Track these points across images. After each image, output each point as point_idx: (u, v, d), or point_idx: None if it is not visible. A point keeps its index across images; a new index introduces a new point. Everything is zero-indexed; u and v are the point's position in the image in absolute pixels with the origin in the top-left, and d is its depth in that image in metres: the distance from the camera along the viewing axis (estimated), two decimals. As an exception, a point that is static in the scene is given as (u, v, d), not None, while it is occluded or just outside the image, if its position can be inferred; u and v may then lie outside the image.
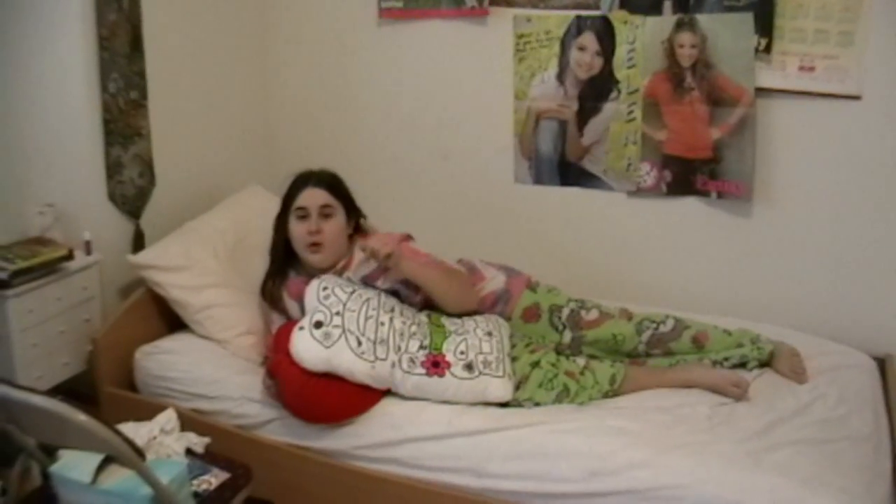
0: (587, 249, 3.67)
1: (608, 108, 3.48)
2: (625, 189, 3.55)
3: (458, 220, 3.86)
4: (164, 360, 3.07)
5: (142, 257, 3.16)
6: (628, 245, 3.63)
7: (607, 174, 3.55)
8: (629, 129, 3.46)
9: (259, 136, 4.02)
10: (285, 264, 3.06)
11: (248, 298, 3.11)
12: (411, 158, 3.89)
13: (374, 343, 2.75)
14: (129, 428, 2.47)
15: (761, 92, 3.24)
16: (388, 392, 2.80)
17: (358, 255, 3.00)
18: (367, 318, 2.81)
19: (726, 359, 3.01)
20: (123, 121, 3.24)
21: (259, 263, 3.10)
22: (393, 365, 2.74)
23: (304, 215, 2.97)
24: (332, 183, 3.04)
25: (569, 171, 3.61)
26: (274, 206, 3.10)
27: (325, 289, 2.87)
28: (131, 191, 3.30)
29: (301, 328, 2.77)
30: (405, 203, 3.92)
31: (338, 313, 2.79)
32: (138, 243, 3.32)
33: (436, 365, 2.77)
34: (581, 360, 2.94)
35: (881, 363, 3.22)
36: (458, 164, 3.81)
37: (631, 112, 3.44)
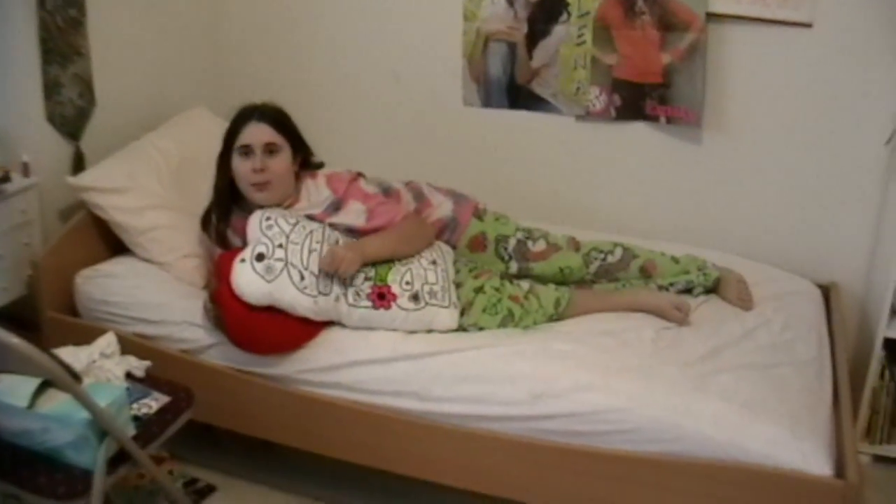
0: (536, 174, 3.65)
1: (558, 30, 3.42)
2: (574, 113, 3.51)
3: (408, 142, 3.80)
4: (105, 283, 3.01)
5: (82, 179, 3.08)
6: (577, 170, 3.60)
7: (556, 98, 3.51)
8: (579, 52, 3.41)
9: (205, 57, 3.91)
10: (229, 202, 2.96)
11: (191, 221, 3.04)
12: (362, 79, 3.80)
13: (318, 277, 2.71)
14: (68, 352, 2.44)
15: (713, 17, 3.20)
16: (332, 321, 2.78)
17: (304, 194, 2.94)
18: (310, 252, 2.75)
19: (672, 284, 3.03)
20: (62, 39, 3.13)
21: (203, 185, 3.02)
22: (337, 299, 2.71)
23: (247, 153, 2.85)
24: (277, 118, 2.91)
25: (518, 95, 3.56)
26: (219, 129, 3.01)
27: (267, 219, 2.80)
28: (70, 111, 3.21)
29: (242, 260, 2.70)
30: (356, 124, 3.85)
31: (280, 245, 2.73)
32: (78, 165, 3.24)
33: (381, 297, 2.74)
34: (525, 285, 2.94)
35: (825, 291, 3.26)
36: (409, 85, 3.74)
37: (581, 35, 3.38)
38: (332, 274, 2.69)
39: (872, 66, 3.12)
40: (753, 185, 3.40)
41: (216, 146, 2.95)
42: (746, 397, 2.51)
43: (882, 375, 3.17)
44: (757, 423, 2.43)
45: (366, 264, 2.77)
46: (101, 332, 2.65)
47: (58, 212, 3.21)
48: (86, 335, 2.61)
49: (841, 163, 3.26)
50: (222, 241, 2.94)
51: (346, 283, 2.72)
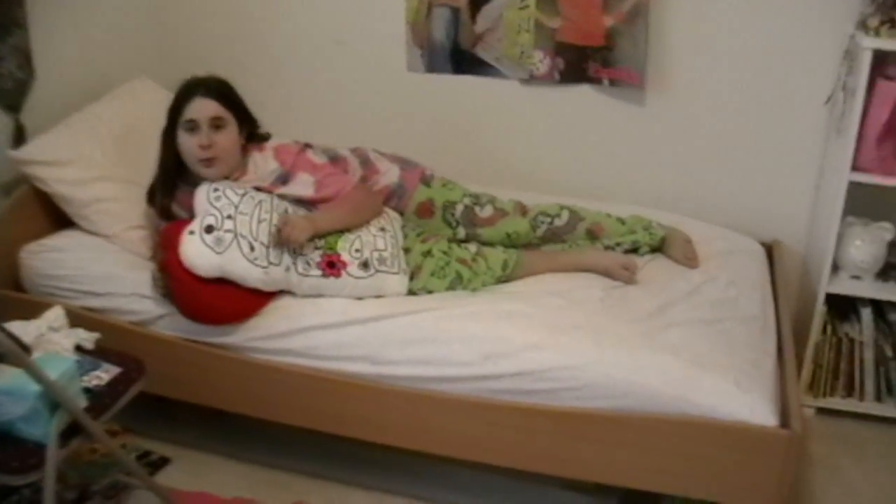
0: (481, 138, 3.66)
1: (502, -6, 3.42)
2: (518, 77, 3.51)
3: (353, 109, 3.78)
4: (50, 258, 2.97)
5: (23, 152, 3.02)
6: (522, 133, 3.62)
7: (500, 62, 3.51)
8: (522, 16, 3.41)
9: (147, 26, 3.83)
10: (175, 177, 2.92)
11: (136, 192, 3.00)
12: (305, 47, 3.77)
13: (268, 248, 2.70)
14: (15, 326, 2.40)
15: (655, -21, 3.23)
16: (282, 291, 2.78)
17: (252, 167, 2.91)
18: (259, 222, 2.73)
19: (619, 244, 3.07)
20: (0, 11, 3.07)
21: (148, 156, 2.98)
22: (287, 269, 2.71)
23: (193, 128, 2.80)
24: (221, 91, 2.86)
25: (462, 60, 3.56)
26: (163, 99, 2.98)
27: (215, 191, 2.78)
28: (9, 84, 3.14)
29: (191, 232, 2.68)
30: (300, 93, 3.82)
31: (229, 216, 2.71)
32: (19, 138, 3.17)
33: (331, 265, 2.74)
34: (473, 247, 2.96)
35: (769, 248, 3.33)
36: (353, 52, 3.71)
37: (524, -1, 3.40)
38: (284, 243, 2.69)
39: (812, 27, 3.17)
40: (696, 146, 3.44)
41: (160, 116, 2.90)
42: (693, 352, 2.56)
43: (824, 330, 3.24)
44: (704, 377, 2.48)
45: (316, 237, 2.76)
46: (48, 306, 2.61)
47: (-1, 187, 3.17)
48: (33, 310, 2.57)
49: (782, 122, 3.32)
50: (167, 215, 2.92)
51: (296, 252, 2.71)
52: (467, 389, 2.58)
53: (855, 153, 3.00)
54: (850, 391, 3.31)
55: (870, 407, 3.30)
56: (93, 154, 3.09)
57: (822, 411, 3.33)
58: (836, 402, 3.32)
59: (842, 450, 3.17)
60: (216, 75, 2.91)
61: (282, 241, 2.69)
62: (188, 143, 2.82)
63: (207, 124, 2.80)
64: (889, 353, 3.23)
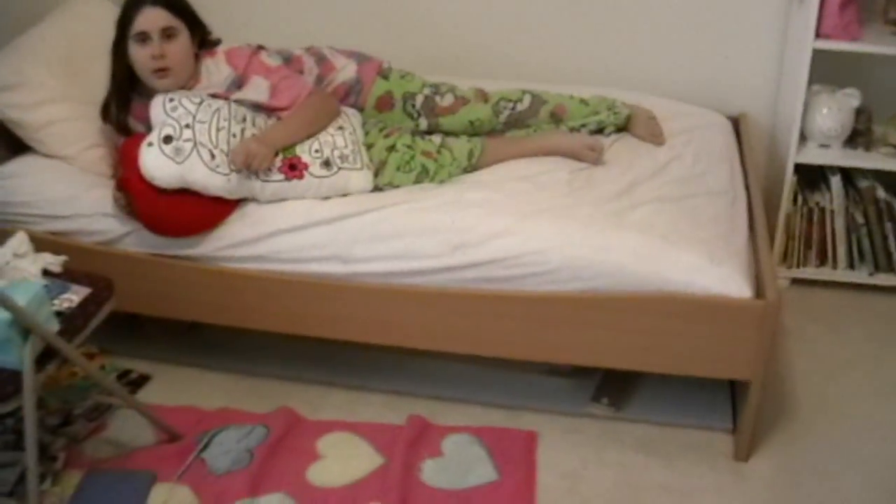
0: (438, 28, 3.56)
1: None
2: (473, -40, 3.43)
3: (303, 5, 3.64)
4: (8, 185, 2.90)
5: (-32, 81, 2.95)
6: (478, 20, 3.52)
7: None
8: None
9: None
10: (129, 90, 2.85)
11: (90, 111, 2.92)
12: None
13: (228, 155, 2.66)
14: (-23, 255, 2.38)
15: None
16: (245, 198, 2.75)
17: (205, 74, 2.85)
18: (218, 130, 2.69)
19: (583, 125, 3.04)
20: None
21: (99, 73, 2.90)
22: (249, 176, 2.67)
23: (144, 39, 2.73)
24: (170, 0, 2.80)
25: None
26: (109, 13, 2.89)
27: (171, 100, 2.72)
28: (-52, 11, 3.06)
29: (150, 144, 2.64)
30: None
31: (187, 126, 2.66)
32: (-37, 67, 3.10)
33: (293, 168, 2.71)
34: (437, 139, 2.92)
35: (735, 122, 3.31)
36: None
37: None
38: (246, 170, 2.66)
39: None
40: (657, 21, 3.39)
41: (108, 31, 2.82)
42: (663, 229, 2.56)
43: (795, 200, 3.25)
44: (675, 253, 2.49)
45: (277, 154, 2.73)
46: (11, 234, 2.56)
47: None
48: (-6, 240, 2.54)
49: (742, -7, 3.28)
50: (124, 130, 2.86)
51: (259, 175, 2.69)
52: (439, 281, 2.58)
53: (818, 20, 2.97)
54: (822, 260, 3.34)
55: (842, 275, 3.33)
56: (41, 76, 2.99)
57: (795, 281, 3.36)
58: (810, 272, 3.34)
59: (816, 319, 3.22)
60: None
61: (248, 171, 2.66)
62: (140, 55, 2.75)
63: (158, 35, 2.73)
64: (860, 219, 3.24)
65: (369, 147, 2.84)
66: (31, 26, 3.21)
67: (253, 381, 2.92)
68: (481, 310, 2.57)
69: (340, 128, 2.84)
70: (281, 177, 2.69)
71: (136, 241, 2.76)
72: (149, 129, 2.75)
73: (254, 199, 2.73)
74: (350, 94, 3.00)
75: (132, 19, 2.74)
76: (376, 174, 2.78)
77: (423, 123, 3.02)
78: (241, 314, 2.76)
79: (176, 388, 2.90)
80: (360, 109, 3.00)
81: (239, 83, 2.84)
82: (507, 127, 3.05)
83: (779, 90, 3.38)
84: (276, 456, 2.59)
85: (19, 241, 2.51)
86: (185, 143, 2.63)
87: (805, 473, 2.56)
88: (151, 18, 2.73)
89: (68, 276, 2.49)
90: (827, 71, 3.16)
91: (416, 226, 2.60)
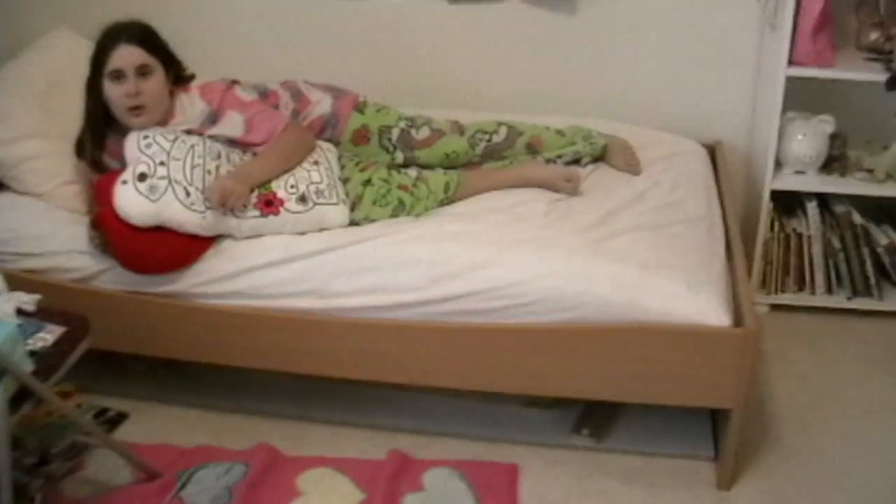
0: (413, 61, 3.58)
1: None
2: (442, -6, 3.44)
3: (277, 39, 3.66)
4: (-18, 223, 2.89)
5: (-57, 118, 2.93)
6: (453, 52, 3.55)
7: (423, -20, 3.43)
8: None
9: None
10: (103, 127, 2.84)
11: (65, 147, 2.90)
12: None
13: (204, 192, 2.65)
14: (-49, 296, 2.35)
15: None
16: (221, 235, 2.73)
17: (179, 110, 2.84)
18: (193, 167, 2.68)
19: (560, 156, 3.05)
20: None
21: (75, 109, 2.88)
22: (225, 213, 2.66)
23: (119, 76, 2.72)
24: (145, 37, 2.78)
25: (386, -19, 3.47)
26: (85, 49, 2.88)
27: (145, 137, 2.71)
28: (-78, 48, 3.04)
29: (124, 182, 2.63)
30: (220, 26, 3.67)
31: (162, 163, 2.65)
32: (-63, 103, 3.08)
33: (269, 204, 2.70)
34: (413, 172, 2.93)
35: (711, 150, 3.32)
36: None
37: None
38: (222, 209, 2.64)
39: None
40: (631, 51, 3.41)
41: (83, 68, 2.81)
42: (642, 258, 2.57)
43: (772, 227, 3.27)
44: (654, 281, 2.49)
45: (252, 190, 2.72)
46: (-15, 273, 2.56)
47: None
48: (-33, 279, 2.51)
49: (714, 21, 3.32)
50: (98, 167, 2.85)
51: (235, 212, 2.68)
52: (419, 315, 2.57)
53: (791, 47, 2.99)
54: (801, 285, 3.35)
55: (821, 300, 3.34)
56: (16, 112, 2.98)
57: (775, 307, 3.37)
58: (788, 298, 3.35)
59: (796, 343, 3.22)
60: (137, 20, 2.81)
61: (224, 209, 2.64)
62: (115, 93, 2.74)
63: (133, 72, 2.73)
64: (837, 244, 3.26)
65: (345, 181, 2.83)
66: (6, 62, 3.21)
67: (232, 417, 2.88)
68: (461, 343, 2.56)
69: (316, 162, 2.83)
70: (257, 213, 2.68)
71: (111, 278, 2.73)
72: (123, 165, 2.73)
73: (230, 236, 2.71)
74: (326, 129, 3.00)
75: (107, 57, 2.73)
76: (352, 208, 2.77)
77: (400, 157, 3.02)
78: (219, 350, 2.74)
79: (154, 425, 2.86)
80: (336, 143, 3.00)
81: (213, 118, 2.83)
82: (484, 159, 3.05)
83: (754, 117, 3.40)
84: (256, 493, 2.55)
85: (-7, 280, 2.49)
86: (160, 181, 2.62)
87: (791, 498, 2.55)
88: (126, 56, 2.73)
89: (43, 314, 2.45)
90: (801, 97, 3.18)
91: (393, 259, 2.59)
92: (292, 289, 2.62)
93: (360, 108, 3.03)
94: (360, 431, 2.81)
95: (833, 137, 3.20)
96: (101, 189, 2.73)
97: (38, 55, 3.25)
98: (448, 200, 2.85)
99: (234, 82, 2.94)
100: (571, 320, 2.49)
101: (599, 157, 3.10)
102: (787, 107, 3.11)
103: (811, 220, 3.24)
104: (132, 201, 2.60)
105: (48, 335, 2.38)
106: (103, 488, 2.61)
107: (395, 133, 3.01)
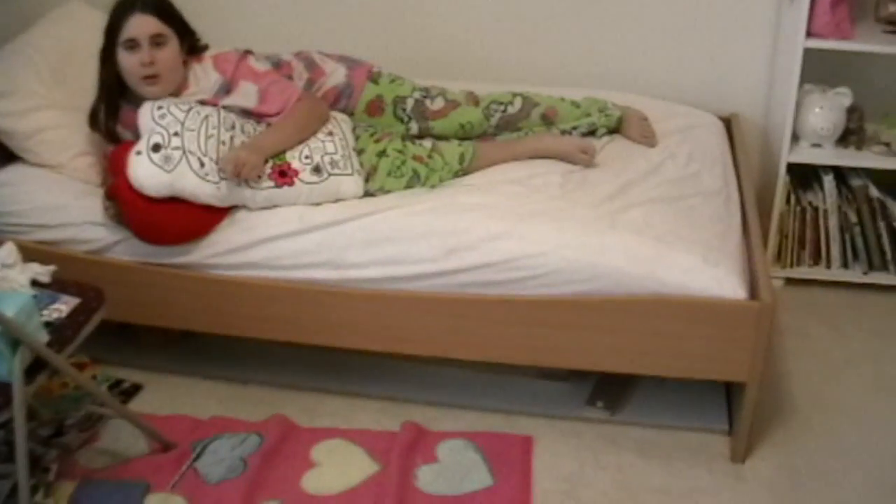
0: (427, 31, 3.55)
1: None
2: (463, -35, 3.42)
3: (291, 9, 3.63)
4: (-3, 194, 2.90)
5: (-43, 89, 2.93)
6: (469, 23, 3.51)
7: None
8: None
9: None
10: (117, 97, 2.83)
11: (79, 119, 2.90)
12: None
13: (218, 163, 2.64)
14: (-35, 267, 2.35)
15: None
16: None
17: (193, 80, 2.83)
18: (207, 138, 2.67)
19: (575, 128, 3.04)
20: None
21: (88, 81, 2.87)
22: (239, 183, 2.65)
23: (133, 46, 2.71)
24: (160, 6, 2.76)
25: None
26: (97, 21, 2.86)
27: (159, 108, 2.70)
28: (-65, 20, 3.04)
29: (138, 153, 2.61)
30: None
31: (176, 133, 2.64)
32: (-49, 76, 3.08)
33: (283, 175, 2.69)
34: (428, 143, 2.91)
35: (727, 122, 3.30)
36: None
37: None
38: (237, 179, 2.64)
39: None
40: (647, 23, 3.38)
41: (96, 39, 2.80)
42: (658, 230, 2.55)
43: (788, 200, 3.25)
44: (670, 254, 2.48)
45: (267, 161, 2.71)
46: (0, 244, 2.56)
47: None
48: (-17, 250, 2.52)
49: (732, -7, 3.27)
50: (112, 137, 2.84)
51: (249, 183, 2.67)
52: (433, 286, 2.56)
53: (809, 19, 2.96)
54: (816, 259, 3.34)
55: (837, 273, 3.33)
56: (30, 83, 2.97)
57: (790, 281, 3.35)
58: (804, 272, 3.34)
59: (811, 318, 3.21)
60: None
61: (238, 179, 2.64)
62: (129, 62, 2.73)
63: (148, 42, 2.71)
64: (853, 218, 3.24)
65: (360, 152, 2.82)
66: (19, 34, 3.20)
67: (246, 388, 2.90)
68: (475, 314, 2.55)
69: (330, 133, 2.82)
70: (271, 184, 2.67)
71: (126, 249, 2.73)
72: (137, 136, 2.72)
73: (244, 207, 2.71)
74: (340, 99, 2.99)
75: (121, 26, 2.72)
76: (367, 179, 2.76)
77: (414, 127, 3.00)
78: (234, 322, 2.74)
79: (169, 396, 2.87)
80: (350, 114, 2.99)
81: (227, 88, 2.82)
82: (499, 130, 3.03)
83: (771, 90, 3.37)
84: (271, 464, 2.57)
85: (7, 251, 2.49)
86: (174, 152, 2.61)
87: (804, 473, 2.55)
88: (141, 25, 2.71)
89: (57, 286, 2.46)
90: (818, 70, 3.16)
91: (409, 230, 2.58)
92: (307, 260, 2.62)
93: (374, 78, 3.02)
94: (374, 403, 2.81)
95: (850, 110, 3.18)
96: (115, 160, 2.73)
97: (51, 27, 3.24)
98: (463, 172, 2.84)
99: (248, 52, 2.92)
100: (587, 292, 2.48)
101: (615, 129, 3.08)
102: (804, 79, 3.08)
103: (827, 194, 3.22)
104: (146, 171, 2.59)
105: (63, 306, 2.39)
106: (118, 459, 2.63)
107: (409, 103, 2.99)
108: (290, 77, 2.92)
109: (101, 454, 2.66)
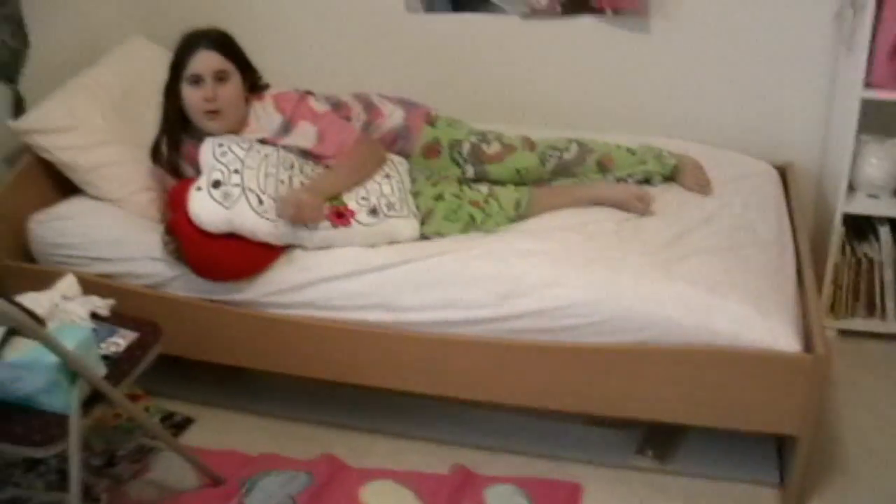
0: (484, 76, 3.59)
1: (498, -71, 3.34)
2: (518, 11, 3.43)
3: (353, 53, 3.70)
4: (59, 226, 2.95)
5: (23, 122, 2.99)
6: (526, 68, 3.55)
7: (500, -3, 3.44)
8: (520, -50, 3.33)
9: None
10: (180, 131, 2.90)
11: (141, 154, 2.98)
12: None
13: (276, 201, 2.68)
14: (28, 298, 2.39)
15: None
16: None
17: (254, 118, 2.89)
18: (266, 176, 2.72)
19: (630, 175, 3.03)
20: (-13, -20, 3.02)
21: (150, 117, 2.95)
22: (299, 225, 2.69)
23: (197, 81, 2.78)
24: (223, 43, 2.84)
25: (461, -3, 3.50)
26: (159, 57, 2.96)
27: (220, 146, 2.76)
28: (4, 54, 3.11)
29: (199, 189, 2.67)
30: (299, 39, 3.73)
31: (236, 171, 2.69)
32: (18, 108, 3.14)
33: (340, 216, 2.72)
34: (484, 188, 2.93)
35: (782, 171, 3.28)
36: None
37: (523, -69, 3.31)
38: (298, 222, 2.68)
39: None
40: (703, 71, 3.38)
41: (158, 75, 2.88)
42: (712, 280, 2.53)
43: (843, 251, 3.21)
44: (724, 304, 2.46)
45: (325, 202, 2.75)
46: (60, 276, 2.58)
47: (3, 158, 3.12)
48: (44, 280, 2.55)
49: (790, 41, 3.25)
50: (175, 171, 2.90)
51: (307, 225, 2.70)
52: (486, 331, 2.56)
53: (867, 69, 2.94)
54: (871, 311, 3.29)
55: (891, 326, 3.27)
56: (93, 118, 3.06)
57: (843, 333, 3.31)
58: (858, 323, 3.29)
59: (865, 370, 3.16)
60: (216, 27, 2.87)
61: (300, 222, 2.68)
62: (193, 97, 2.80)
63: (211, 77, 2.79)
64: (909, 270, 3.21)
65: (416, 195, 2.85)
66: (84, 68, 3.27)
67: (297, 426, 2.91)
68: (527, 360, 2.55)
69: (387, 175, 2.85)
70: (328, 224, 2.70)
71: (183, 284, 2.78)
72: (198, 171, 2.78)
73: (301, 246, 2.74)
74: (397, 141, 3.02)
75: (186, 61, 2.80)
76: (423, 222, 2.79)
77: (470, 171, 3.02)
78: (286, 360, 2.76)
79: (220, 431, 2.90)
80: (407, 156, 3.02)
81: (286, 128, 2.86)
82: (554, 175, 3.04)
83: (827, 139, 3.35)
84: (319, 503, 2.58)
85: (68, 283, 2.54)
86: (234, 188, 2.66)
87: (856, 528, 2.52)
88: (205, 61, 2.79)
89: (116, 319, 2.51)
90: (876, 120, 3.12)
91: (462, 275, 2.59)
92: (361, 301, 2.64)
93: (431, 121, 3.05)
94: (424, 445, 2.82)
95: (908, 162, 3.15)
96: (175, 196, 2.78)
97: (115, 62, 3.33)
98: (518, 217, 2.85)
99: (308, 93, 2.97)
100: (640, 341, 2.47)
101: (670, 177, 3.08)
102: (861, 129, 3.05)
103: (883, 246, 3.18)
104: (206, 207, 2.64)
105: (121, 340, 2.43)
106: (168, 492, 2.65)
107: (465, 147, 3.02)
108: (348, 118, 2.96)
109: (152, 486, 2.68)
